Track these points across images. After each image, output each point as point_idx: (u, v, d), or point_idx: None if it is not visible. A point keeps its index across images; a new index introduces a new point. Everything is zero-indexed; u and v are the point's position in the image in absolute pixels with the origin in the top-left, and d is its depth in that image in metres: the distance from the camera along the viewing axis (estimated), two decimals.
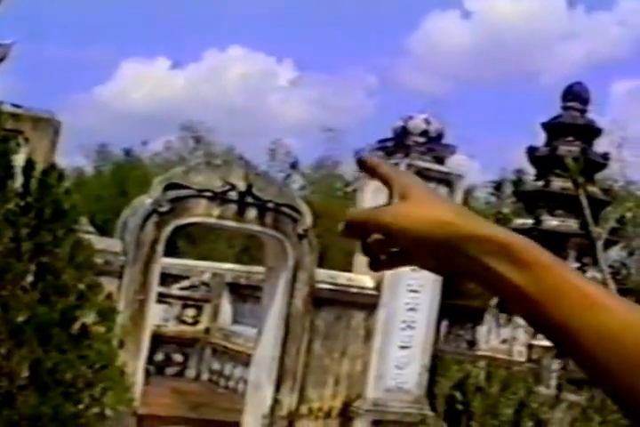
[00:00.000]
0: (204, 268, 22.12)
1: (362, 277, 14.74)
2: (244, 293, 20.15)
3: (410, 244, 1.27)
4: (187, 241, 36.64)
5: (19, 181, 7.01)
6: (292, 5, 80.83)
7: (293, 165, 46.14)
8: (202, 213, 13.14)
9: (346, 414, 14.23)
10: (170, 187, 12.88)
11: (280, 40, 78.68)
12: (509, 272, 1.21)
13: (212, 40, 78.75)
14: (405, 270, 14.60)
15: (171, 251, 17.31)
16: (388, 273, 14.59)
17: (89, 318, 7.32)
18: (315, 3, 78.61)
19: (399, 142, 15.28)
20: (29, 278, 6.93)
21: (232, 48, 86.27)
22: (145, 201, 12.89)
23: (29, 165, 6.96)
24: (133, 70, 76.07)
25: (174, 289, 20.71)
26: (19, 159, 7.52)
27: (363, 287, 14.60)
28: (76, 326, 7.09)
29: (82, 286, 7.14)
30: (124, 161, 47.48)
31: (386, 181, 1.35)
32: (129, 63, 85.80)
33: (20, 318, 6.82)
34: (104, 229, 20.26)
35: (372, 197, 15.03)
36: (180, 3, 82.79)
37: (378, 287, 14.61)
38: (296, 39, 78.04)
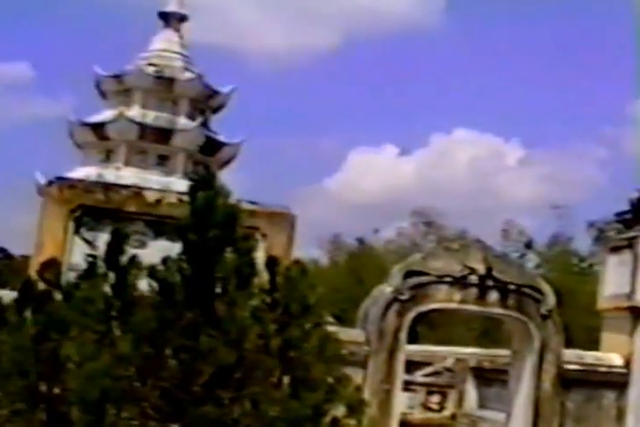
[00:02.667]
0: (447, 353, 21.85)
1: (610, 356, 14.21)
2: (488, 377, 19.75)
3: None
4: (425, 326, 36.41)
5: (262, 278, 7.04)
6: (512, 85, 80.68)
7: (528, 245, 45.43)
8: (443, 299, 13.07)
9: None
10: (409, 274, 12.88)
11: (505, 120, 78.18)
12: None
13: (438, 124, 79.07)
14: None
15: (410, 337, 17.14)
16: (637, 350, 13.99)
17: (339, 411, 7.22)
18: (532, 79, 78.22)
19: (638, 214, 14.74)
20: (279, 374, 6.90)
21: (458, 131, 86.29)
22: (385, 290, 12.91)
23: (272, 261, 7.00)
24: (362, 160, 77.03)
25: (418, 376, 20.49)
26: (258, 255, 7.57)
27: (612, 366, 14.06)
28: (327, 420, 7.01)
29: (331, 380, 7.07)
30: (357, 250, 47.91)
31: None
32: (357, 153, 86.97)
33: (272, 414, 6.79)
34: (342, 319, 20.35)
35: (614, 270, 14.53)
36: (402, 89, 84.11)
37: (627, 365, 14.03)
38: (521, 118, 77.51)
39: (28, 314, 6.86)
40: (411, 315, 12.87)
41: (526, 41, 79.05)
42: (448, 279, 13.05)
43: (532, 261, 44.61)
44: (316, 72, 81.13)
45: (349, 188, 73.29)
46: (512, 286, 13.34)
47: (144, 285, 6.62)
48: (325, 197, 72.08)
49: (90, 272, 6.80)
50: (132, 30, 46.29)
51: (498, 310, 13.45)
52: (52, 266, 7.32)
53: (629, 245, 14.32)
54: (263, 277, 7.01)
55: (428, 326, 36.92)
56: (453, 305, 13.28)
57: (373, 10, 79.03)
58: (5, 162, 69.67)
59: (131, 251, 6.70)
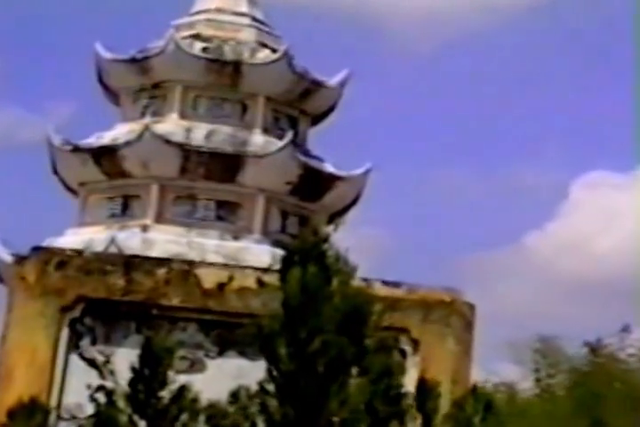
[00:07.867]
0: None
1: None
2: None
3: None
4: None
5: (414, 417, 7.16)
6: None
7: None
8: None
9: None
10: None
11: None
12: None
13: None
14: None
15: None
16: None
17: None
18: None
19: None
20: None
21: None
22: None
23: (429, 390, 7.12)
24: (594, 196, 76.49)
25: None
26: (408, 378, 7.74)
27: None
28: None
29: None
30: (588, 363, 47.37)
31: None
32: (584, 186, 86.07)
33: None
34: None
35: None
36: None
37: None
38: None
39: None
40: None
41: None
42: None
43: None
44: (496, 47, 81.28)
45: (571, 246, 72.80)
46: None
47: None
48: (526, 266, 71.60)
49: (102, 422, 6.95)
50: None
51: None
52: (28, 412, 7.47)
53: None
54: (415, 416, 7.12)
55: None
56: None
57: None
58: None
59: (177, 378, 6.85)
